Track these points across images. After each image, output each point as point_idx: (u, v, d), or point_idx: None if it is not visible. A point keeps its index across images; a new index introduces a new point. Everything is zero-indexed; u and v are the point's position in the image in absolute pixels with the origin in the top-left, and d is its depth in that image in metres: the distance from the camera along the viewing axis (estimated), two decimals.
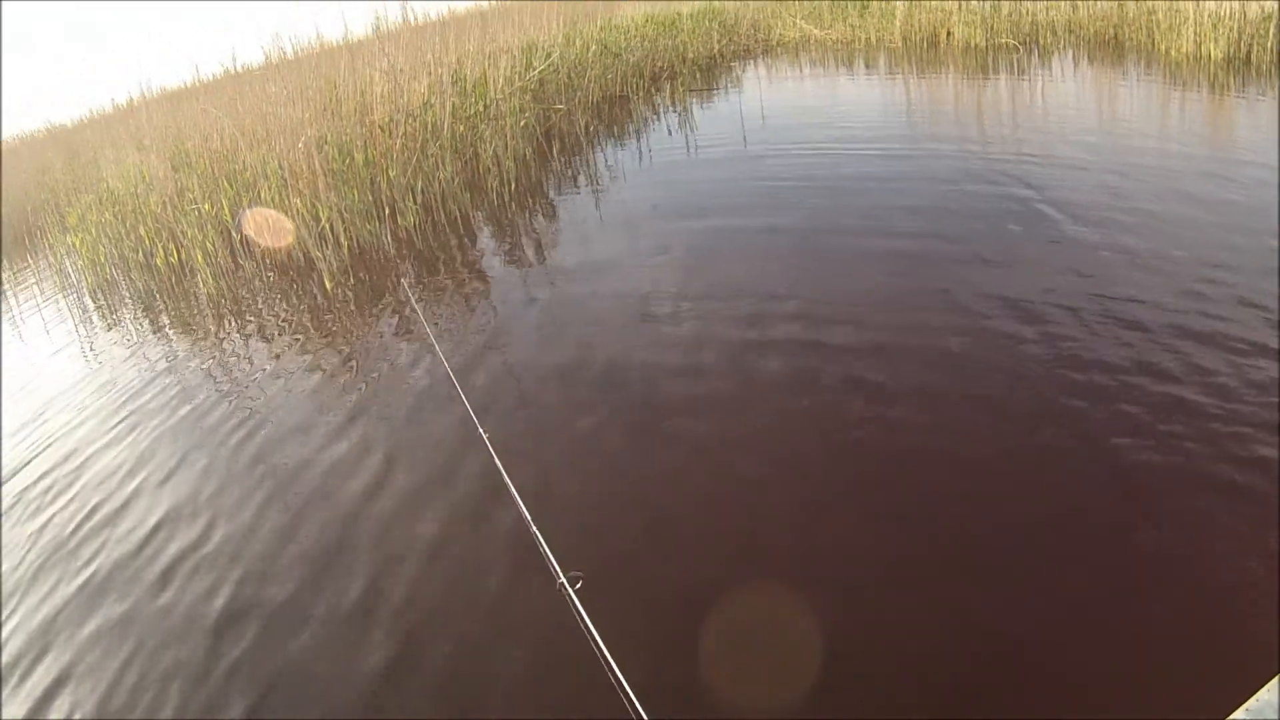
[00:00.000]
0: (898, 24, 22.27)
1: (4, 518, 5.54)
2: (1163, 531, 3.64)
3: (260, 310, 8.42)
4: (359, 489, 4.88)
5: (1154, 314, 5.38)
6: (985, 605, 3.42)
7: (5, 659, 4.14)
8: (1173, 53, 18.53)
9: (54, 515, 5.35)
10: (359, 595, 4.03)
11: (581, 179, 11.52)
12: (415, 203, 9.88)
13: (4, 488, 5.99)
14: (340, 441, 5.43)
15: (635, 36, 20.32)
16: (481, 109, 11.46)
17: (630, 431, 5.13)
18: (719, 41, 23.31)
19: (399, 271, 8.77)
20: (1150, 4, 20.58)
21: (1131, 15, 21.03)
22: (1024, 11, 21.86)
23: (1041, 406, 4.67)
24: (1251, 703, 2.05)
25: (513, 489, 3.73)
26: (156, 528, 4.90)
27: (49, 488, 5.75)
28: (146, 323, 8.89)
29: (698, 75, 20.28)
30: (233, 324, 8.21)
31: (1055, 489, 4.01)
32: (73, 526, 5.16)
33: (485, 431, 4.34)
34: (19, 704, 3.84)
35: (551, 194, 11.01)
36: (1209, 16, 18.30)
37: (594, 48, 17.45)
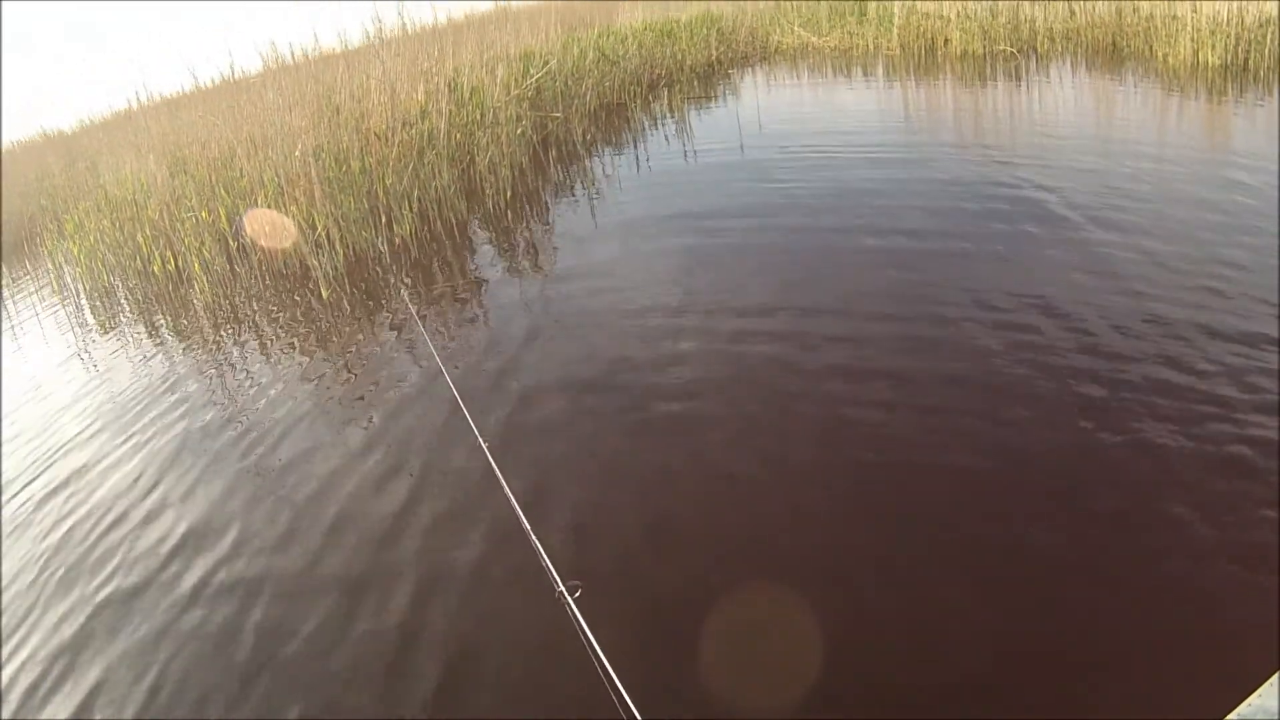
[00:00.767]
0: (895, 31, 22.38)
1: (14, 532, 5.55)
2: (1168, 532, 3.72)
3: (257, 318, 8.54)
4: (355, 495, 4.96)
5: (1163, 311, 5.60)
6: (987, 609, 3.51)
7: (29, 679, 4.14)
8: (1170, 59, 18.62)
9: (71, 529, 5.33)
10: (364, 601, 4.08)
11: (578, 187, 11.63)
12: (411, 210, 9.96)
13: (10, 500, 6.02)
14: (337, 451, 5.52)
15: (633, 44, 20.37)
16: (478, 117, 11.51)
17: (629, 437, 5.21)
18: (717, 49, 23.39)
19: (395, 279, 8.83)
20: (1148, 10, 20.67)
21: (1129, 22, 21.11)
22: (1022, 18, 21.88)
23: (1051, 408, 4.78)
24: (1243, 708, 2.07)
25: (512, 499, 3.79)
26: (179, 543, 4.89)
27: (59, 502, 5.74)
28: (144, 331, 8.99)
29: (695, 83, 20.39)
30: (230, 332, 8.31)
31: (1069, 493, 4.10)
32: (92, 541, 5.13)
33: (485, 441, 4.45)
34: None
35: (548, 202, 11.12)
36: (1207, 23, 18.37)
37: (591, 55, 17.49)
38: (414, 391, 6.18)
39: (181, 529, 4.96)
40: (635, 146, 13.56)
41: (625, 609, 3.67)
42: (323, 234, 9.25)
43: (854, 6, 25.40)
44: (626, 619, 3.57)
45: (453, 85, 11.84)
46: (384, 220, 9.86)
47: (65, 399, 7.56)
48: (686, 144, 13.24)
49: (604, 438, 5.21)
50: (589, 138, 14.63)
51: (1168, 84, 16.39)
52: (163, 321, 9.12)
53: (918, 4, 22.63)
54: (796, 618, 3.56)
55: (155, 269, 10.03)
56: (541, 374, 6.15)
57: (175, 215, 10.17)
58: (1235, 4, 18.52)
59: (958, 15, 21.85)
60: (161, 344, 8.38)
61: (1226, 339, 5.16)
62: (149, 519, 5.16)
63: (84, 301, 10.56)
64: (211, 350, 7.88)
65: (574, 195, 11.19)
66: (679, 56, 21.76)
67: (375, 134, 10.30)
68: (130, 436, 6.32)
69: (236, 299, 9.17)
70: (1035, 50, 21.14)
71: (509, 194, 11.19)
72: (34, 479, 6.20)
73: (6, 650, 4.36)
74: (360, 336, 7.59)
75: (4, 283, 13.72)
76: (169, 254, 10.06)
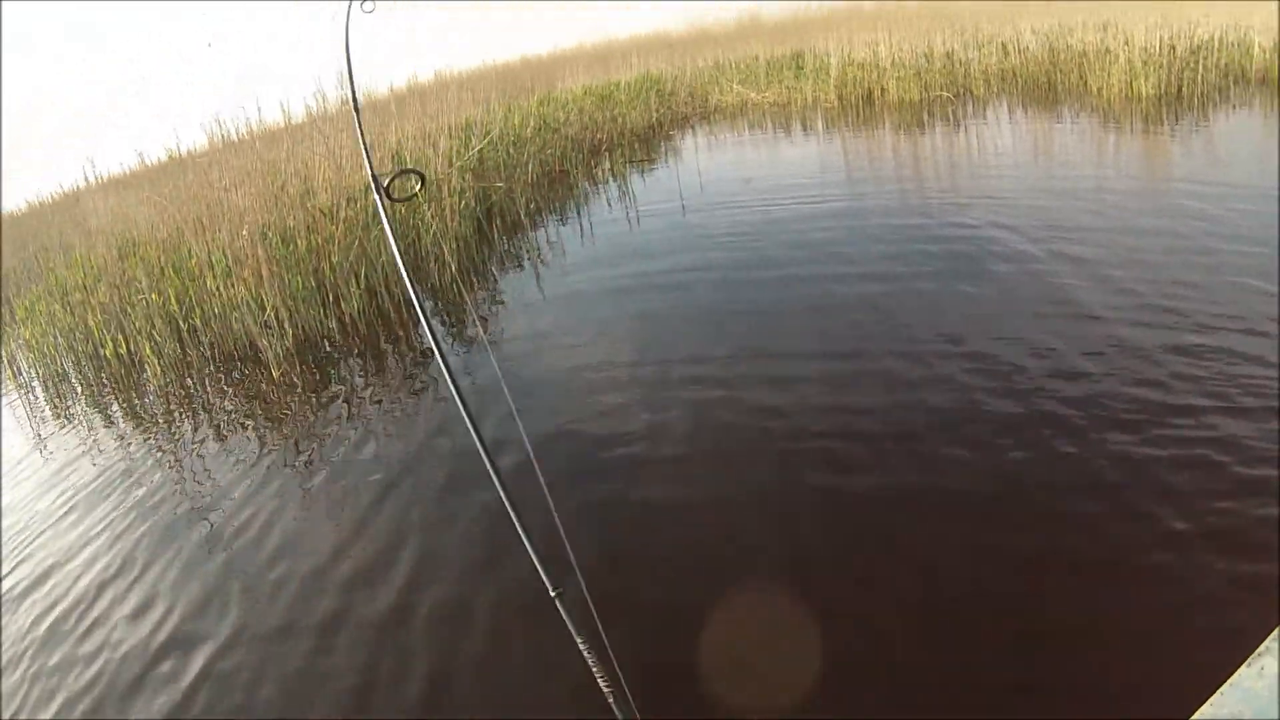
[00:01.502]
0: (832, 84, 22.69)
1: None
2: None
3: (211, 400, 8.71)
4: (313, 568, 5.15)
5: (1126, 333, 6.27)
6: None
7: None
8: (1104, 92, 19.11)
9: (53, 625, 5.25)
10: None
11: (524, 256, 11.95)
12: (359, 287, 10.15)
13: None
14: (298, 528, 5.72)
15: (573, 109, 20.60)
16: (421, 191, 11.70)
17: (586, 495, 5.47)
18: (657, 110, 23.65)
19: (346, 356, 9.02)
20: (1080, 45, 21.20)
21: (1062, 59, 21.62)
22: (956, 62, 22.28)
23: (1034, 429, 5.28)
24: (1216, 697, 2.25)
25: (514, 517, 3.98)
26: (166, 639, 4.84)
27: (38, 597, 5.67)
28: (99, 417, 9.07)
29: (637, 146, 20.73)
30: (185, 415, 8.46)
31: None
32: (77, 636, 5.05)
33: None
34: None
35: (495, 272, 11.42)
36: (1139, 54, 18.89)
37: (533, 123, 17.68)
38: (367, 469, 6.35)
39: (162, 621, 4.99)
40: (579, 213, 13.92)
41: None
42: (271, 314, 9.43)
43: (790, 61, 25.74)
44: None
45: (396, 158, 12.04)
46: (332, 298, 10.07)
47: (27, 492, 7.52)
48: (629, 208, 13.59)
49: (562, 498, 5.41)
50: (533, 206, 14.90)
51: (1104, 116, 17.02)
52: (117, 406, 9.22)
53: (853, 55, 22.97)
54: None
55: (107, 353, 10.17)
56: (494, 446, 6.33)
57: (125, 298, 10.34)
58: (1166, 34, 19.11)
59: (892, 64, 22.22)
60: (117, 430, 8.49)
61: (1191, 353, 5.84)
62: (131, 613, 5.17)
63: (38, 388, 10.64)
64: (167, 435, 8.01)
65: (520, 265, 11.50)
66: (620, 120, 22.01)
67: (321, 211, 10.50)
68: (99, 529, 6.35)
69: (189, 381, 9.35)
70: (971, 93, 21.63)
71: (455, 267, 11.46)
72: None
73: None
74: (312, 415, 7.79)
75: None
76: (120, 337, 10.20)
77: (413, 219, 11.57)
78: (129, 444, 8.01)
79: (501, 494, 2.67)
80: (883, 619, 3.92)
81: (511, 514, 2.57)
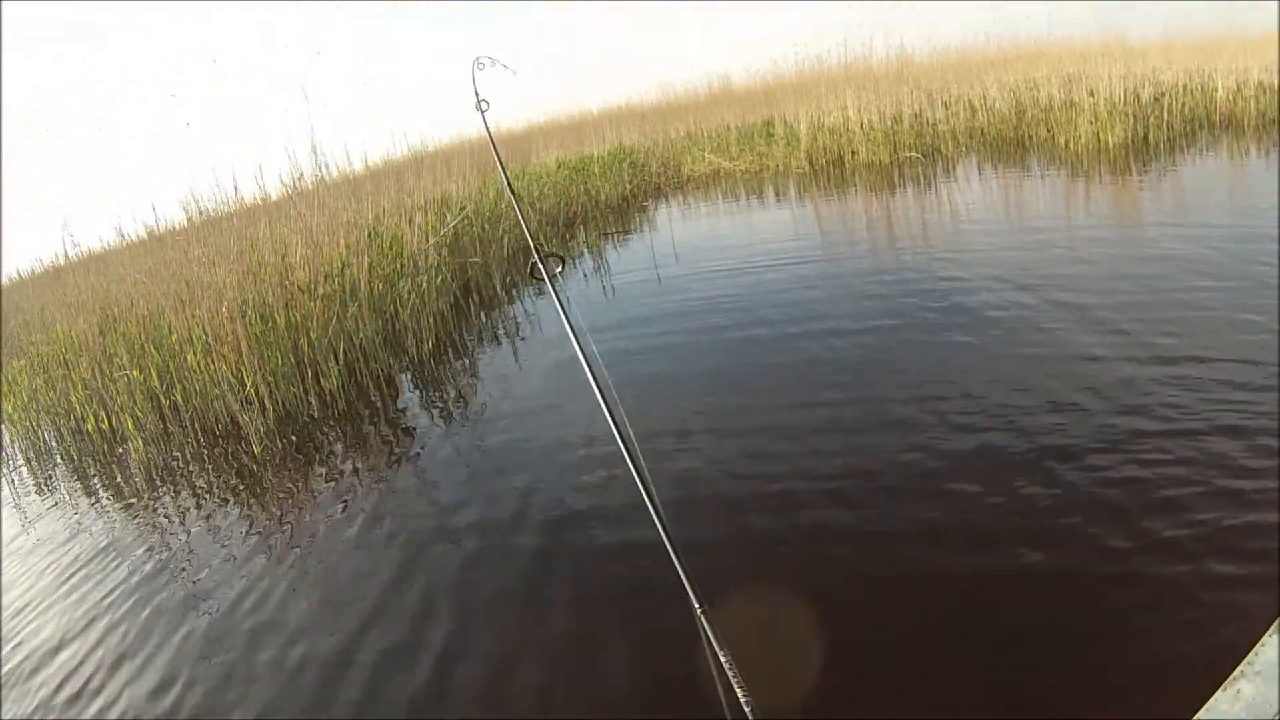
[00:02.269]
0: (803, 149, 23.03)
1: None
2: None
3: (193, 477, 8.88)
4: (304, 655, 5.14)
5: (1128, 370, 6.32)
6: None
7: None
8: (1072, 144, 19.50)
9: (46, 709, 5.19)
10: None
11: (501, 330, 12.27)
12: (338, 363, 10.40)
13: None
14: (286, 607, 5.75)
15: (547, 183, 20.85)
16: (398, 267, 11.90)
17: (567, 575, 5.62)
18: (630, 182, 23.99)
19: (326, 432, 9.18)
20: (1046, 99, 21.65)
21: (1029, 114, 22.06)
22: (925, 123, 22.63)
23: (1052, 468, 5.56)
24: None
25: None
26: None
27: (35, 683, 5.55)
28: (83, 492, 9.24)
29: (611, 217, 21.13)
30: (168, 491, 8.62)
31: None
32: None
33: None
34: None
35: (472, 347, 11.71)
36: (1104, 104, 19.34)
37: (507, 196, 17.88)
38: (351, 547, 6.47)
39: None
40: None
41: None
42: (251, 390, 9.63)
43: (761, 128, 26.06)
44: None
45: (372, 235, 12.25)
46: (311, 374, 10.30)
47: (14, 573, 7.52)
48: (605, 279, 13.92)
49: (543, 573, 5.62)
50: (508, 281, 15.23)
51: (1073, 168, 17.43)
52: (100, 482, 9.39)
53: (823, 120, 23.28)
54: None
55: (90, 428, 10.34)
56: (474, 523, 6.51)
57: (107, 374, 10.57)
58: (1130, 84, 19.58)
59: (861, 128, 22.55)
60: (100, 506, 8.64)
61: (1189, 383, 6.39)
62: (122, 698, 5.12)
63: (20, 463, 10.80)
64: (150, 511, 8.15)
65: (497, 339, 11.80)
66: (593, 192, 22.32)
67: (299, 288, 10.75)
68: (90, 610, 6.33)
69: (171, 457, 9.53)
70: (940, 153, 21.99)
71: (433, 342, 11.75)
72: None
73: None
74: (295, 491, 7.97)
75: None
76: (102, 413, 10.40)
77: (390, 295, 11.77)
78: (112, 520, 8.14)
79: (646, 496, 2.79)
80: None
81: (659, 523, 2.65)
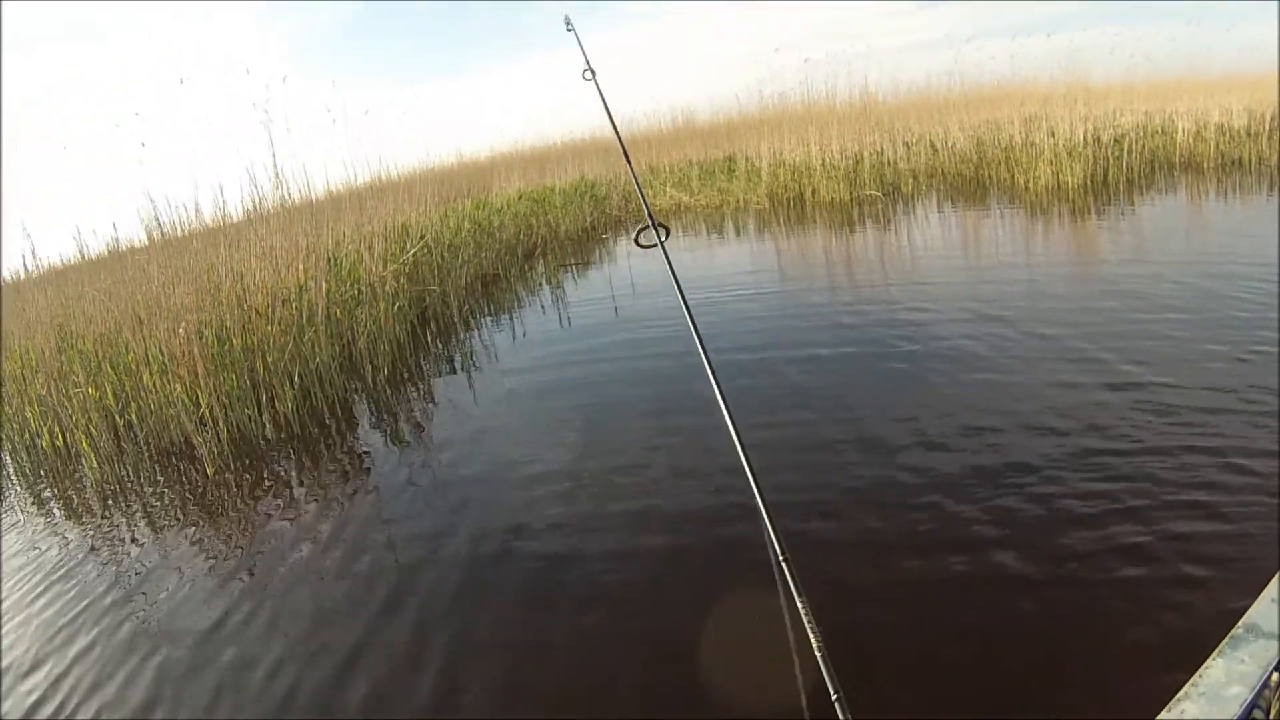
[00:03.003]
0: (764, 186, 23.20)
1: None
2: None
3: (146, 496, 8.98)
4: (259, 680, 5.24)
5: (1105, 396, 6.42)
6: None
7: None
8: (1031, 185, 19.75)
9: None
10: None
11: (457, 359, 12.39)
12: (293, 387, 10.56)
13: None
14: (236, 633, 5.81)
15: (508, 213, 20.95)
16: (355, 293, 12.00)
17: (517, 598, 5.76)
18: (591, 214, 24.15)
19: (279, 455, 9.30)
20: (1007, 139, 21.97)
21: (990, 154, 22.36)
22: (886, 162, 22.88)
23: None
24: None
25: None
26: None
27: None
28: (35, 506, 9.32)
29: (571, 249, 21.35)
30: (121, 509, 8.70)
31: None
32: None
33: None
34: None
35: (428, 375, 11.86)
36: (1064, 145, 19.67)
37: (467, 225, 18.01)
38: (302, 567, 6.59)
39: None
40: (512, 316, 14.47)
41: None
42: (206, 411, 9.75)
43: (723, 164, 26.25)
44: None
45: (331, 261, 12.35)
46: (266, 397, 10.44)
47: None
48: (562, 310, 14.23)
49: (492, 599, 5.75)
50: (466, 310, 15.45)
51: (1032, 208, 17.72)
52: (54, 499, 9.46)
53: (785, 157, 23.47)
54: None
55: (44, 444, 10.43)
56: (428, 545, 6.68)
57: (62, 391, 10.64)
58: (1090, 125, 19.93)
59: (823, 165, 22.74)
60: (53, 522, 8.72)
61: (1169, 409, 6.93)
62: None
63: None
64: (103, 531, 8.21)
65: (453, 369, 11.92)
66: (554, 224, 22.52)
67: (257, 310, 10.89)
68: (38, 629, 6.39)
69: (125, 476, 9.62)
70: (900, 191, 22.37)
71: (388, 369, 11.95)
72: None
73: None
74: (247, 513, 8.09)
75: None
76: (57, 430, 10.49)
77: (349, 320, 11.88)
78: (65, 539, 8.15)
79: (738, 445, 2.98)
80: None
81: (749, 471, 2.82)
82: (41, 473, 10.41)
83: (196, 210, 13.83)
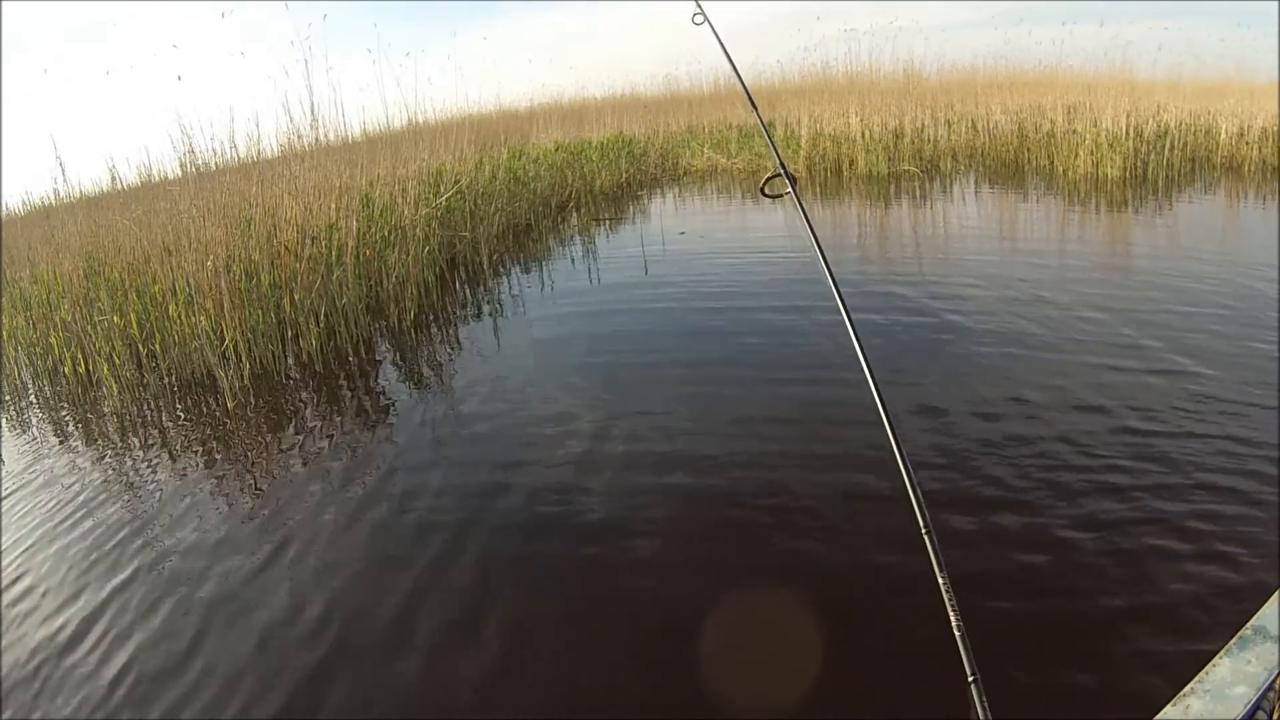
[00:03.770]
0: (802, 154, 22.94)
1: None
2: None
3: (166, 426, 8.91)
4: (273, 616, 5.19)
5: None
6: None
7: None
8: (1070, 173, 19.60)
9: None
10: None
11: (484, 307, 12.33)
12: (318, 325, 10.43)
13: None
14: (252, 569, 5.73)
15: (544, 164, 20.85)
16: (386, 235, 11.94)
17: (533, 539, 5.75)
18: (627, 170, 24.06)
19: (301, 392, 9.29)
20: (1049, 126, 21.75)
21: (1031, 138, 22.13)
22: (926, 139, 22.69)
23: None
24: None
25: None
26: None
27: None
28: (54, 433, 9.25)
29: (605, 204, 21.20)
30: (139, 439, 8.65)
31: None
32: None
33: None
34: None
35: (454, 321, 11.79)
36: (1105, 137, 19.46)
37: (502, 175, 17.92)
38: (319, 508, 6.51)
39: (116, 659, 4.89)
40: (542, 268, 14.37)
41: None
42: (230, 345, 9.71)
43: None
44: None
45: (365, 202, 12.29)
46: (291, 334, 10.39)
47: None
48: (592, 265, 14.08)
49: (503, 543, 5.72)
50: (496, 258, 15.36)
51: (1070, 197, 17.54)
52: (74, 426, 9.37)
53: (824, 128, 23.28)
54: None
55: (66, 371, 10.41)
56: (441, 479, 6.73)
57: (87, 318, 10.59)
58: (1134, 118, 19.72)
59: (863, 137, 22.56)
60: (72, 449, 8.64)
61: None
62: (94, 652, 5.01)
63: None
64: (120, 459, 8.16)
65: (480, 315, 11.87)
66: (589, 177, 22.40)
67: (286, 247, 10.80)
68: (53, 555, 6.33)
69: (145, 406, 9.56)
70: (939, 169, 22.11)
71: (415, 312, 11.83)
72: None
73: None
74: (266, 448, 8.03)
75: None
76: (80, 356, 10.43)
77: (378, 262, 11.83)
78: (82, 466, 8.09)
79: (882, 412, 2.74)
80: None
81: (892, 440, 2.65)
82: (63, 399, 10.34)
83: (231, 144, 13.74)
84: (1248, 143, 21.32)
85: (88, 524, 6.72)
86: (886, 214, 17.58)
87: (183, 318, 9.97)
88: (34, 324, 11.14)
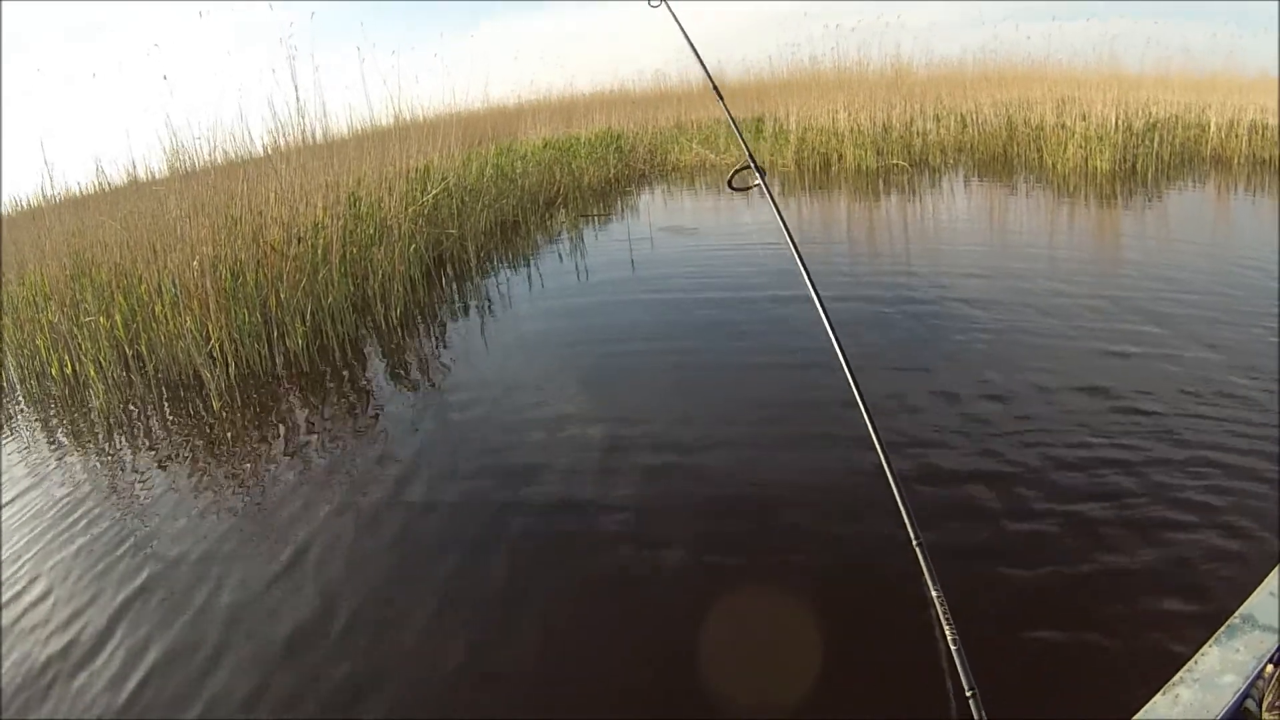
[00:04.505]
0: (791, 149, 22.93)
1: None
2: None
3: (153, 427, 8.92)
4: (249, 611, 5.22)
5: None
6: None
7: None
8: (1060, 167, 19.61)
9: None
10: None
11: (471, 304, 12.34)
12: (304, 324, 10.43)
13: None
14: (247, 570, 5.72)
15: (532, 161, 20.84)
16: (372, 233, 11.94)
17: (517, 541, 5.73)
18: (615, 166, 24.00)
19: (287, 392, 9.29)
20: (1038, 120, 21.77)
21: (1020, 132, 22.16)
22: (914, 133, 22.67)
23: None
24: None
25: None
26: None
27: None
28: (42, 433, 9.24)
29: (593, 200, 21.13)
30: (126, 440, 8.65)
31: None
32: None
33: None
34: None
35: (441, 319, 11.78)
36: (1095, 130, 19.48)
37: (490, 172, 17.92)
38: (299, 504, 6.53)
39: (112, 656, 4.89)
40: (529, 264, 14.34)
41: None
42: (216, 345, 9.70)
43: (751, 124, 26.08)
44: None
45: (352, 200, 12.29)
46: (276, 333, 10.35)
47: None
48: (580, 262, 14.06)
49: (494, 542, 5.71)
50: (483, 255, 15.33)
51: (1059, 190, 17.57)
52: (61, 427, 9.37)
53: (812, 121, 23.27)
54: None
55: (53, 372, 10.39)
56: (427, 478, 6.74)
57: (73, 319, 10.58)
58: (1123, 111, 19.74)
59: (851, 132, 22.55)
60: (60, 450, 8.64)
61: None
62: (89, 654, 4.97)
63: None
64: (107, 460, 8.16)
65: (466, 313, 11.88)
66: (577, 173, 22.36)
67: (272, 246, 10.79)
68: (41, 556, 6.32)
69: (132, 407, 9.55)
70: (928, 163, 22.14)
71: (401, 310, 11.82)
72: None
73: None
74: (252, 449, 8.02)
75: None
76: (66, 358, 10.44)
77: (364, 260, 11.83)
78: (70, 466, 8.09)
79: (869, 422, 2.67)
80: None
81: (881, 453, 2.61)
82: (51, 400, 10.31)
83: (218, 142, 13.69)
84: (1237, 136, 21.34)
85: (72, 524, 6.70)
86: (876, 208, 17.59)
87: (169, 318, 9.95)
88: (21, 326, 11.11)
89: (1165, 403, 6.57)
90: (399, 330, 11.19)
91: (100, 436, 8.81)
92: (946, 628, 2.24)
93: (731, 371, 8.44)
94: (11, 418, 9.99)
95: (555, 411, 7.78)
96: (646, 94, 33.17)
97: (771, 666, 4.20)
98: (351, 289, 11.58)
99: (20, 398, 10.69)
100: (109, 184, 14.20)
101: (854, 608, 4.62)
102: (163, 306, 9.98)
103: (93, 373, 9.97)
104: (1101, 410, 6.53)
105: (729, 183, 3.48)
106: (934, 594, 2.29)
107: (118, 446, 8.48)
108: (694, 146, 25.76)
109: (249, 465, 7.61)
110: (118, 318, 10.15)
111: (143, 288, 10.32)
